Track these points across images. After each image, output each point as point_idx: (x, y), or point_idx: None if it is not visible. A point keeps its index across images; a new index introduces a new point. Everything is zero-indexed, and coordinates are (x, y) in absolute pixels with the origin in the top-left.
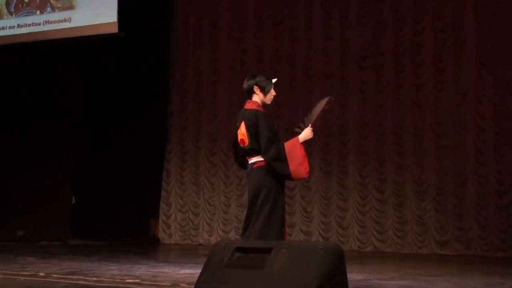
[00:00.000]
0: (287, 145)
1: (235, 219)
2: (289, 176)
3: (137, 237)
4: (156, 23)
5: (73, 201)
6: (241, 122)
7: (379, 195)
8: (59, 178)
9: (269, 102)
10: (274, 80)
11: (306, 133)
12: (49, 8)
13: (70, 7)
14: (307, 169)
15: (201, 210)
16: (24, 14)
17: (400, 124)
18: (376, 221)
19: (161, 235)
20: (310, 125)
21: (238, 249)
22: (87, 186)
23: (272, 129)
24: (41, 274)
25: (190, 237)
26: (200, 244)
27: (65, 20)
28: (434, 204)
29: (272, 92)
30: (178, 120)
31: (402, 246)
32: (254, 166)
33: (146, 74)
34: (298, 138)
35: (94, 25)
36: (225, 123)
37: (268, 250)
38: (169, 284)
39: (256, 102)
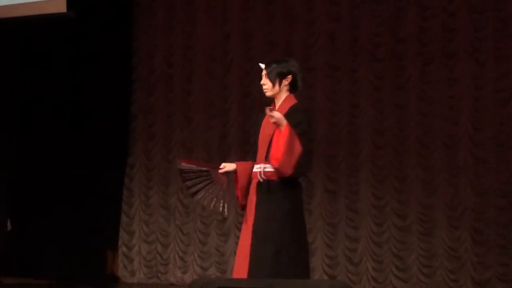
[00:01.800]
0: None
1: (215, 251)
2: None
3: (90, 275)
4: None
5: (9, 227)
6: None
7: (400, 221)
8: None
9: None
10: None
11: None
12: None
13: None
14: None
15: (172, 240)
16: None
17: (427, 130)
18: (396, 255)
19: (121, 272)
20: None
21: None
22: (27, 210)
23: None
24: None
25: (158, 274)
26: (171, 284)
27: None
28: (471, 233)
29: (262, 81)
30: (142, 125)
31: (429, 286)
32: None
33: (101, 65)
34: None
35: (36, 1)
36: (202, 128)
37: None
38: None
39: None
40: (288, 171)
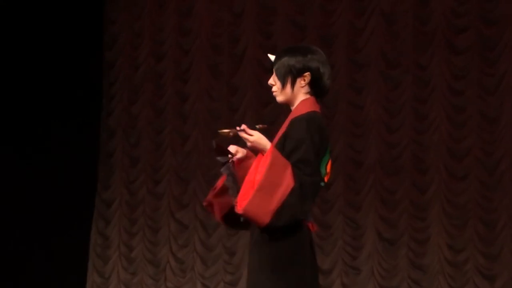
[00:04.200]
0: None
1: None
2: None
3: None
4: None
5: None
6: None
7: (487, 284)
8: None
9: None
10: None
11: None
12: None
13: None
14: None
15: None
16: None
17: None
18: None
19: None
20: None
21: None
22: None
23: None
24: None
25: None
26: None
27: None
28: None
29: (271, 80)
30: (123, 145)
31: None
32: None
33: (61, 61)
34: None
35: None
36: (202, 150)
37: None
38: None
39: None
40: (262, 219)
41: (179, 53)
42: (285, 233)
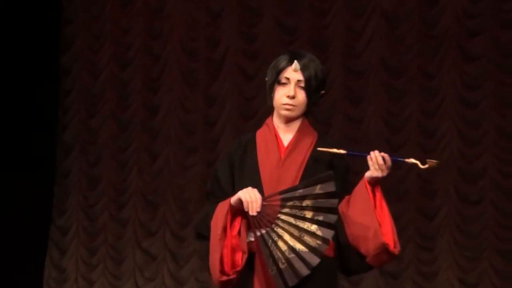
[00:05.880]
0: (217, 208)
1: None
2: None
3: None
4: None
5: None
6: None
7: None
8: None
9: (282, 113)
10: (293, 65)
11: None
12: None
13: None
14: (227, 267)
15: None
16: None
17: None
18: None
19: None
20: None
21: None
22: None
23: (212, 173)
24: None
25: None
26: None
27: None
28: None
29: (280, 91)
30: (80, 164)
31: None
32: None
33: (8, 65)
34: (234, 198)
35: None
36: (174, 170)
37: None
38: None
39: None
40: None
41: (148, 59)
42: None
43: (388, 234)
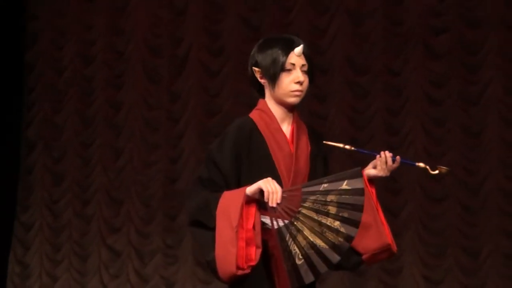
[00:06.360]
0: (225, 197)
1: None
2: (211, 267)
3: None
4: None
5: None
6: None
7: None
8: None
9: (290, 100)
10: (297, 49)
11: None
12: None
13: None
14: (242, 261)
15: None
16: None
17: None
18: None
19: None
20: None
21: None
22: None
23: (209, 159)
24: None
25: None
26: None
27: None
28: None
29: (287, 78)
30: (44, 160)
31: None
32: None
33: None
34: (252, 188)
35: None
36: (138, 167)
37: None
38: None
39: (262, 101)
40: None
41: (111, 56)
42: None
43: (389, 234)
